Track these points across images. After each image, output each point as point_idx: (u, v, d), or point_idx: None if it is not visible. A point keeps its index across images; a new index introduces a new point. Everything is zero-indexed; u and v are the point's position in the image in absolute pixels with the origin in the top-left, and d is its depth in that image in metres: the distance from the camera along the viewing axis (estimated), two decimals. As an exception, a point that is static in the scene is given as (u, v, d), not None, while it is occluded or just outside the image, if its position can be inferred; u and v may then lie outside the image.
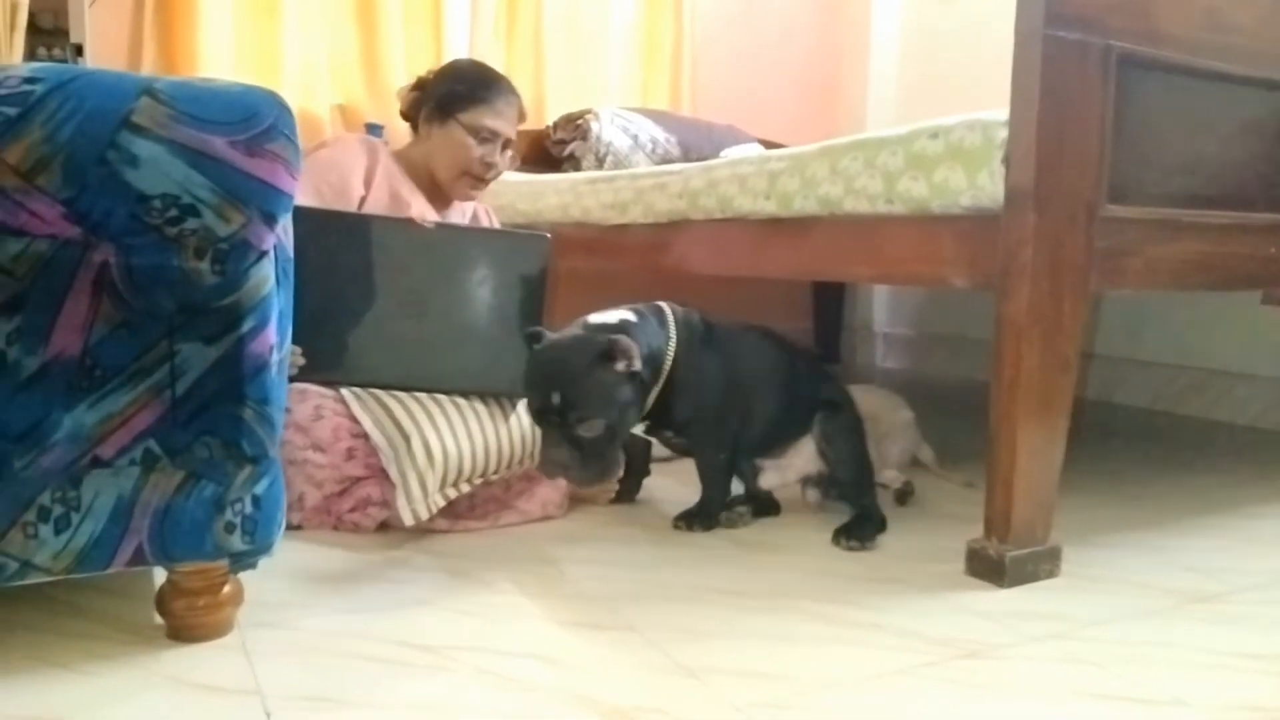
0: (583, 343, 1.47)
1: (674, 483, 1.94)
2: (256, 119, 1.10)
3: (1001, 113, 1.42)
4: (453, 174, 1.95)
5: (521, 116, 2.03)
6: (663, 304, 1.64)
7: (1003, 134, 1.41)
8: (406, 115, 2.05)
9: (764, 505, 1.78)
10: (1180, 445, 2.54)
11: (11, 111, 1.02)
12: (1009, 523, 1.43)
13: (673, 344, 1.57)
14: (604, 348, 1.44)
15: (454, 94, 1.93)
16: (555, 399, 1.42)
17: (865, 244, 1.74)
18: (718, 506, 1.70)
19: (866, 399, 2.13)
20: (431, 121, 1.94)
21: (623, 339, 1.44)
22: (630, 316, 1.56)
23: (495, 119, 1.94)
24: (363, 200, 1.85)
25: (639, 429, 1.63)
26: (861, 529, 1.63)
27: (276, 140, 1.11)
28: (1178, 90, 1.51)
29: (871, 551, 1.60)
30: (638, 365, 1.46)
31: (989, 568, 1.45)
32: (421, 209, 1.92)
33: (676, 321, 1.61)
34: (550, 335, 1.49)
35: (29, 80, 1.04)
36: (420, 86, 2.02)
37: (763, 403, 1.70)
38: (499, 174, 2.00)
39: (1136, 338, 3.04)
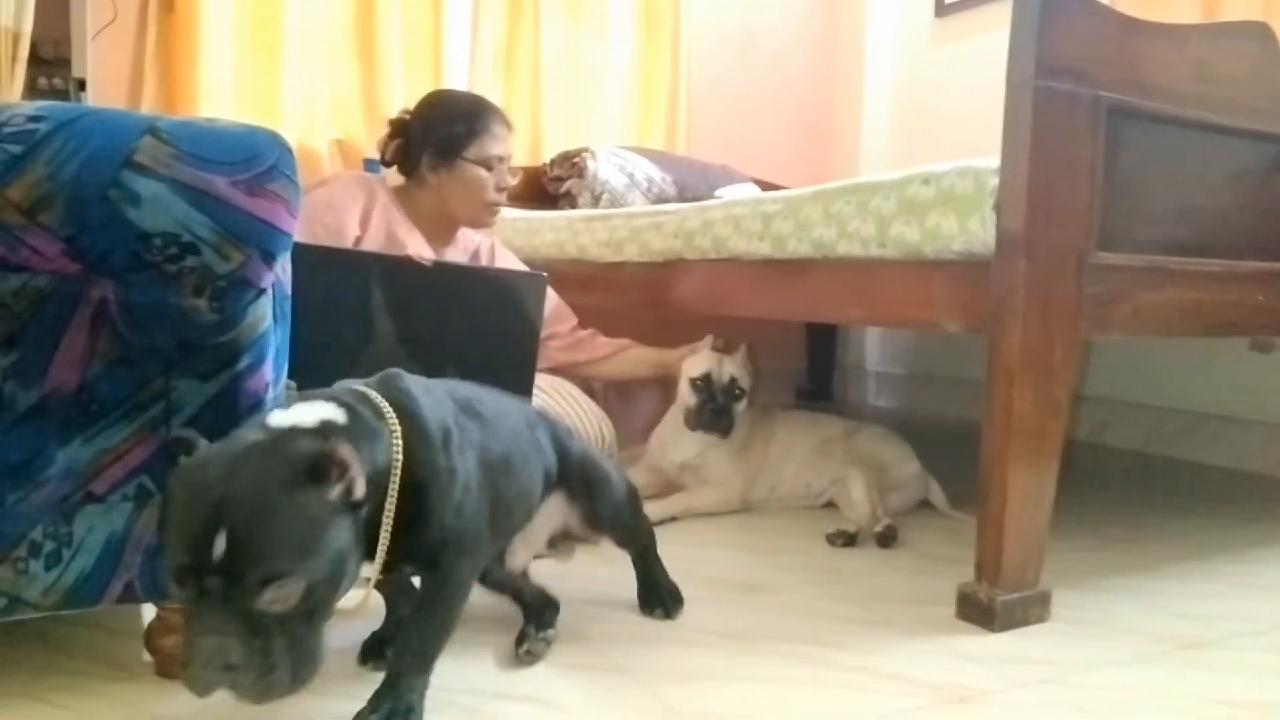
0: (268, 454, 0.91)
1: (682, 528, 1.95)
2: (258, 159, 1.11)
3: (993, 160, 1.44)
4: (474, 210, 1.98)
5: (510, 126, 2.05)
6: (364, 388, 1.09)
7: (994, 181, 1.43)
8: (391, 162, 2.04)
9: (539, 609, 1.34)
10: (1172, 488, 2.55)
11: (16, 149, 1.03)
12: (1000, 566, 1.43)
13: (398, 447, 1.02)
14: (309, 460, 0.90)
15: (454, 136, 1.95)
16: (218, 549, 0.85)
17: (858, 287, 1.75)
18: (420, 691, 1.07)
19: (879, 448, 2.15)
20: (437, 168, 1.95)
21: (341, 446, 0.92)
22: (335, 414, 1.00)
23: (498, 144, 1.98)
24: (358, 240, 1.86)
25: (365, 576, 1.02)
26: (664, 596, 1.46)
27: (277, 180, 1.12)
28: (1166, 140, 1.53)
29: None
30: (361, 489, 0.94)
31: (979, 611, 1.45)
32: (419, 248, 1.93)
33: (398, 409, 1.06)
34: (206, 445, 0.95)
35: (34, 119, 1.05)
36: (401, 132, 2.00)
37: (516, 480, 1.22)
38: (510, 190, 2.04)
39: (1128, 380, 3.05)
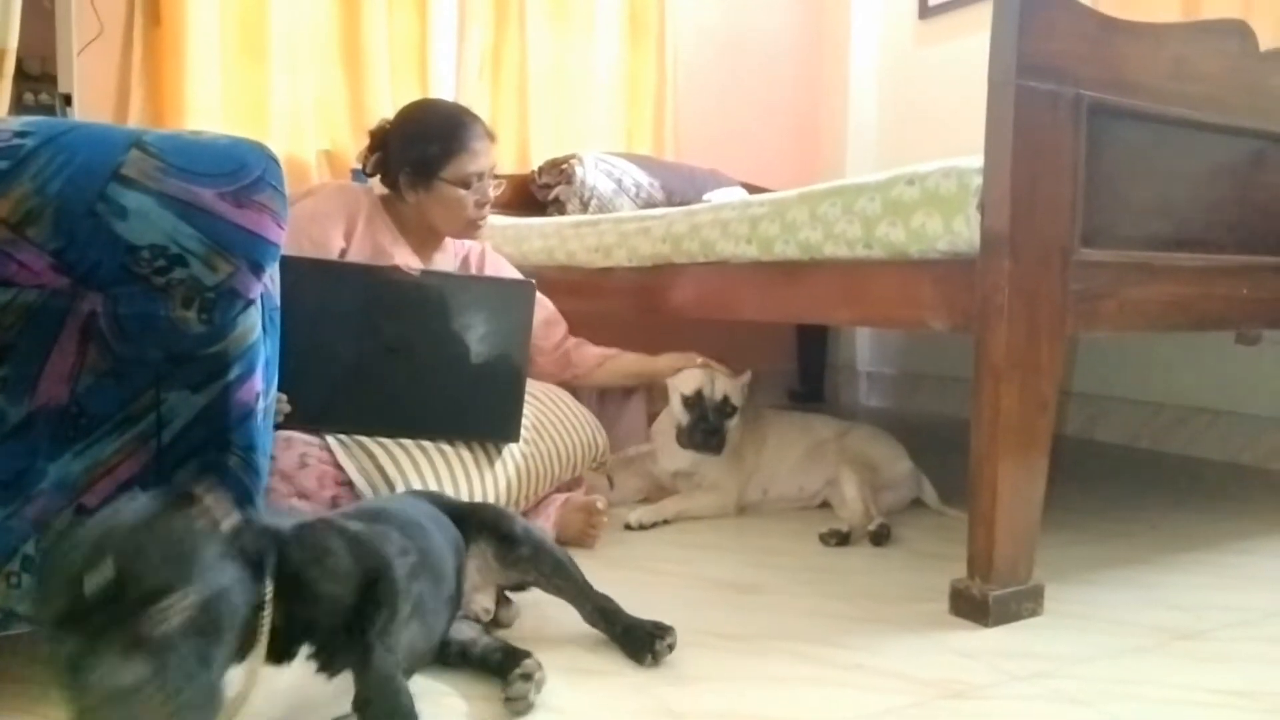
0: (136, 500, 0.90)
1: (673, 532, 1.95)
2: (245, 170, 1.11)
3: (976, 160, 1.45)
4: (455, 226, 1.96)
5: (491, 137, 2.00)
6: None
7: (977, 181, 1.44)
8: (372, 174, 2.01)
9: (510, 661, 1.21)
10: (1161, 482, 2.56)
11: (3, 165, 1.03)
12: (991, 562, 1.44)
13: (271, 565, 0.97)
14: (179, 492, 0.91)
15: (429, 156, 1.90)
16: (96, 580, 0.80)
17: (845, 288, 1.76)
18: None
19: (870, 448, 2.16)
20: (415, 188, 1.92)
21: (209, 482, 0.93)
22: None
23: (475, 161, 1.92)
24: (343, 253, 1.85)
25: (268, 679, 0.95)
26: (644, 637, 1.30)
27: (264, 191, 1.12)
28: (1148, 137, 1.55)
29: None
30: (236, 518, 0.93)
31: (973, 607, 1.46)
32: (405, 258, 1.91)
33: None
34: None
35: (20, 134, 1.05)
36: (380, 145, 1.97)
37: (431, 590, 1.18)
38: (492, 202, 2.01)
39: (1116, 375, 3.07)
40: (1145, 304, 1.56)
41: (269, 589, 0.95)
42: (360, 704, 1.00)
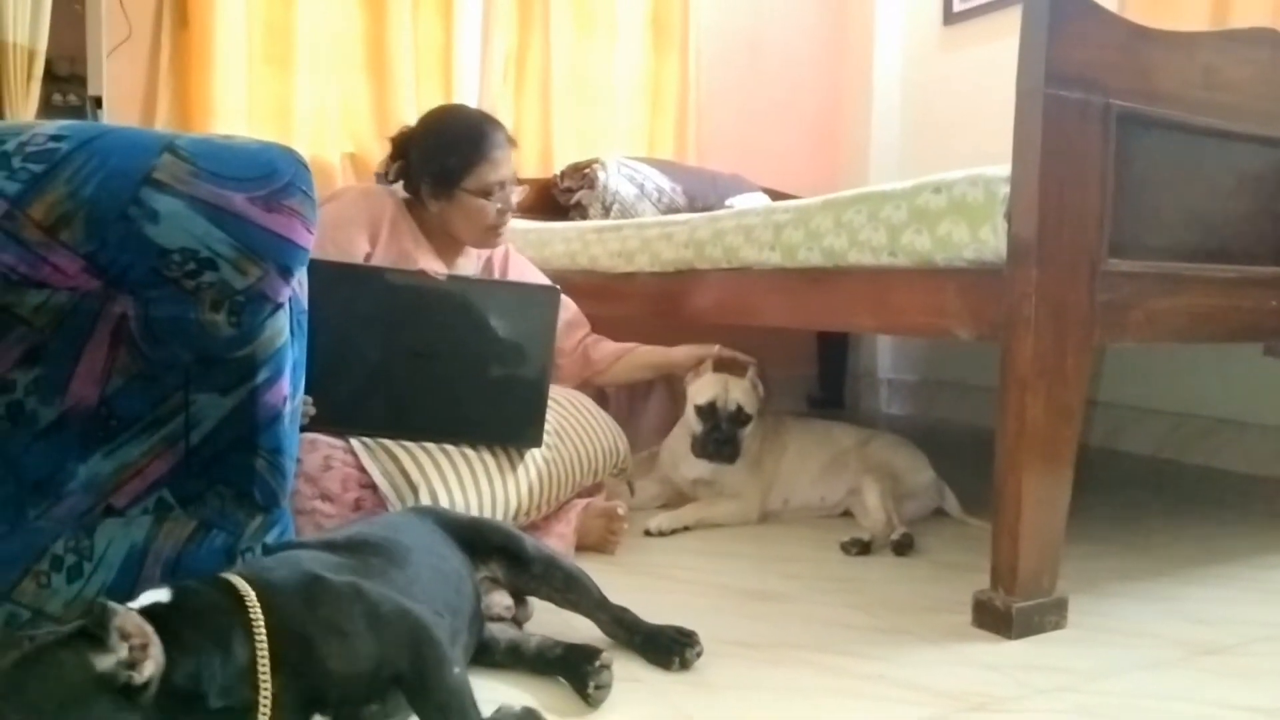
0: (48, 633, 0.84)
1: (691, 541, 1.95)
2: (275, 175, 1.12)
3: (1004, 168, 1.44)
4: (476, 235, 1.97)
5: (512, 143, 2.00)
6: (228, 574, 0.98)
7: (1005, 189, 1.44)
8: (394, 180, 2.01)
9: (578, 658, 1.23)
10: (1187, 493, 2.54)
11: (38, 169, 1.05)
12: (1015, 573, 1.43)
13: (257, 619, 0.93)
14: (84, 621, 0.82)
15: (449, 168, 1.91)
16: None
17: (869, 295, 1.75)
18: None
19: (892, 457, 2.15)
20: (437, 197, 1.92)
21: (127, 614, 0.83)
22: (160, 595, 0.92)
23: (496, 170, 1.92)
24: (368, 257, 1.86)
25: None
26: (668, 642, 1.30)
27: (294, 196, 1.13)
28: (1177, 147, 1.53)
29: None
30: (150, 667, 0.83)
31: (996, 619, 1.45)
32: (429, 262, 1.92)
33: (255, 584, 0.96)
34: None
35: (55, 138, 1.07)
36: (401, 153, 1.98)
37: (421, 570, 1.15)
38: (514, 209, 2.01)
39: (1142, 386, 3.04)
40: (1173, 315, 1.55)
41: (261, 655, 0.91)
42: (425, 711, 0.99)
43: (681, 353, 2.20)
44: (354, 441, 1.62)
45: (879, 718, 1.16)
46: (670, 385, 2.39)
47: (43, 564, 1.12)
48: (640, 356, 2.24)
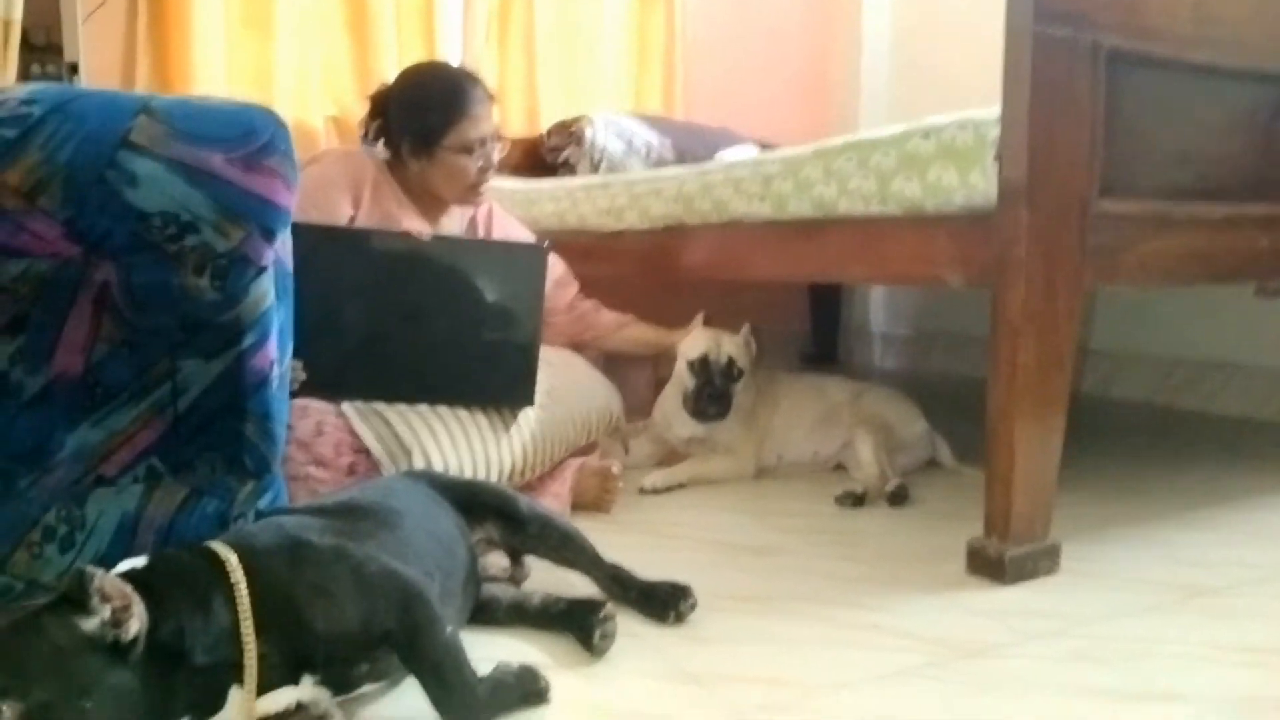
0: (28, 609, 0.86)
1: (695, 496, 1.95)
2: (253, 135, 1.11)
3: (993, 111, 1.43)
4: (458, 193, 1.95)
5: (491, 98, 1.97)
6: (212, 542, 0.98)
7: (994, 132, 1.42)
8: (374, 140, 1.99)
9: (582, 610, 1.25)
10: (1178, 438, 2.55)
11: (10, 134, 1.03)
12: (1008, 520, 1.44)
13: (238, 581, 0.93)
14: (64, 587, 0.85)
15: (429, 126, 1.88)
16: None
17: (861, 245, 1.75)
18: (482, 691, 1.02)
19: (885, 409, 2.15)
20: (418, 156, 1.90)
21: (106, 576, 0.85)
22: (137, 562, 0.94)
23: (476, 127, 1.90)
24: (352, 220, 1.84)
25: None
26: (664, 596, 1.31)
27: (273, 156, 1.11)
28: (1167, 84, 1.52)
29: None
30: (133, 626, 0.85)
31: (989, 566, 1.45)
32: (413, 223, 1.90)
33: (239, 548, 0.97)
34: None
35: (26, 102, 1.05)
36: (380, 112, 1.96)
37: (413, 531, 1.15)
38: (495, 166, 1.99)
39: (1132, 331, 3.04)
40: (1165, 256, 1.54)
41: (244, 616, 0.92)
42: (423, 677, 0.99)
43: (679, 336, 2.20)
44: (345, 406, 1.61)
45: (875, 666, 1.17)
46: (658, 360, 2.39)
47: (35, 535, 1.11)
48: (640, 331, 2.27)
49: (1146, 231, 1.51)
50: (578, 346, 2.20)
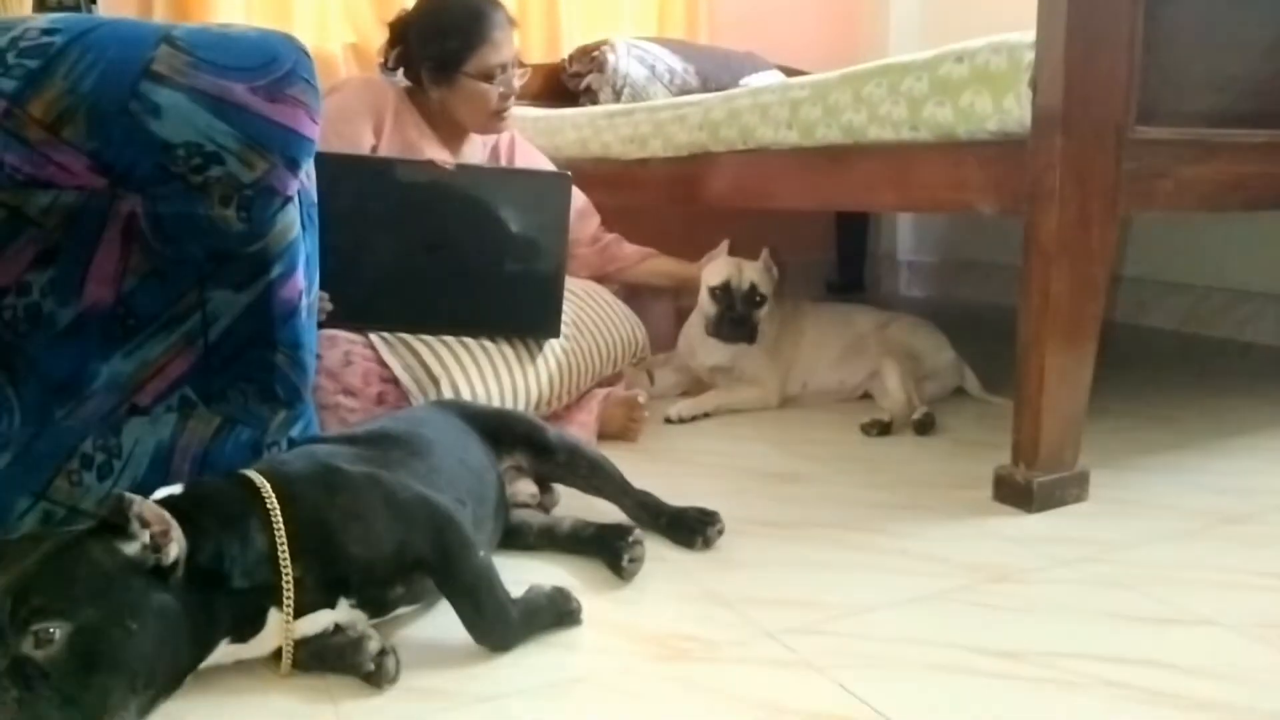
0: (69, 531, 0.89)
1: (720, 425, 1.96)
2: (276, 64, 1.10)
3: (1028, 34, 1.39)
4: (480, 120, 1.93)
5: (512, 22, 1.95)
6: (246, 470, 1.00)
7: (1029, 56, 1.38)
8: (394, 68, 1.97)
9: (598, 530, 1.28)
10: (1209, 367, 2.53)
11: (33, 64, 1.02)
12: (1037, 448, 1.43)
13: (273, 506, 0.95)
14: (104, 512, 0.87)
15: (450, 51, 1.86)
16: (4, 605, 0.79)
17: (890, 172, 1.72)
18: (515, 613, 1.04)
19: (912, 338, 2.14)
20: (439, 84, 1.88)
21: (145, 502, 0.86)
22: (173, 489, 0.96)
23: (498, 52, 1.88)
24: (374, 149, 1.83)
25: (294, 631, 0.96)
26: (692, 522, 1.33)
27: (296, 85, 1.10)
28: (1206, 6, 1.47)
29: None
30: (174, 550, 0.87)
31: (1017, 493, 1.45)
32: (435, 152, 1.89)
33: (271, 477, 0.99)
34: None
35: (48, 31, 1.04)
36: (400, 39, 1.94)
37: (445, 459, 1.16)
38: (516, 92, 1.97)
39: (1165, 259, 3.00)
40: (1201, 183, 1.51)
41: (280, 540, 0.94)
42: (459, 603, 1.02)
43: (700, 268, 2.18)
44: (373, 336, 1.62)
45: (902, 590, 1.18)
46: (678, 293, 2.38)
47: (73, 463, 1.13)
48: (663, 263, 2.27)
49: (1183, 158, 1.47)
50: (601, 279, 2.19)
